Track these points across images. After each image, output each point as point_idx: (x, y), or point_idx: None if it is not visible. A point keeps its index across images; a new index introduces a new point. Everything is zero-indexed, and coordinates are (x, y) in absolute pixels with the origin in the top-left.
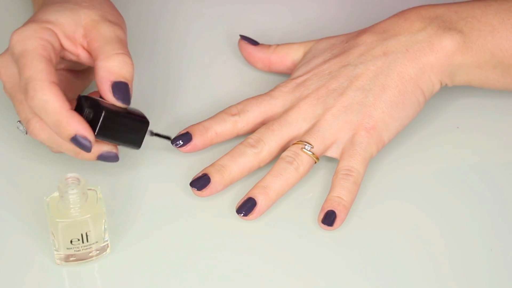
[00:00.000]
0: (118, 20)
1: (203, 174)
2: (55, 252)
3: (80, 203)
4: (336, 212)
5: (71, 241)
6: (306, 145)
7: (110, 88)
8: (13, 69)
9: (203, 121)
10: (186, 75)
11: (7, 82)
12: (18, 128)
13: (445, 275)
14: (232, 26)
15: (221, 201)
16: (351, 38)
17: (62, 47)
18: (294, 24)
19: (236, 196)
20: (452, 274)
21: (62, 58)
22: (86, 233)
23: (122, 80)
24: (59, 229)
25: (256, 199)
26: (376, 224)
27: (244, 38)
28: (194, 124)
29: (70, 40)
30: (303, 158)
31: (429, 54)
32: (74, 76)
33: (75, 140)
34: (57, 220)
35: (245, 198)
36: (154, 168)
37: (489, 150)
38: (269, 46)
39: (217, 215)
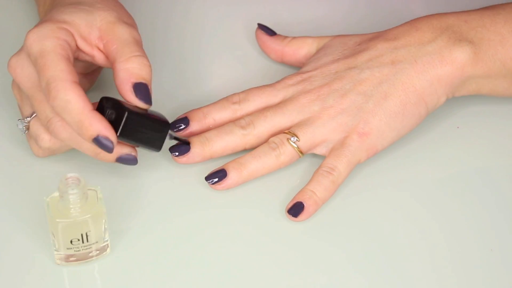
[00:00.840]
0: (132, 22)
1: (185, 142)
2: (55, 252)
3: (80, 203)
4: (305, 205)
5: (71, 241)
6: (292, 136)
7: (132, 89)
8: (29, 69)
9: (204, 106)
10: (190, 65)
11: (25, 82)
12: (17, 126)
13: (445, 275)
14: (242, 21)
15: (222, 202)
16: (364, 41)
17: (78, 48)
18: (294, 24)
19: (241, 202)
20: (452, 274)
21: (76, 59)
22: (86, 233)
23: (142, 81)
24: (59, 229)
25: (228, 172)
26: (376, 224)
27: (261, 27)
28: (194, 109)
29: (85, 41)
30: (287, 149)
31: (438, 67)
32: (83, 77)
33: (97, 140)
34: (57, 220)
35: (218, 168)
36: (155, 168)
37: (489, 152)
38: (285, 37)
39: (217, 216)
